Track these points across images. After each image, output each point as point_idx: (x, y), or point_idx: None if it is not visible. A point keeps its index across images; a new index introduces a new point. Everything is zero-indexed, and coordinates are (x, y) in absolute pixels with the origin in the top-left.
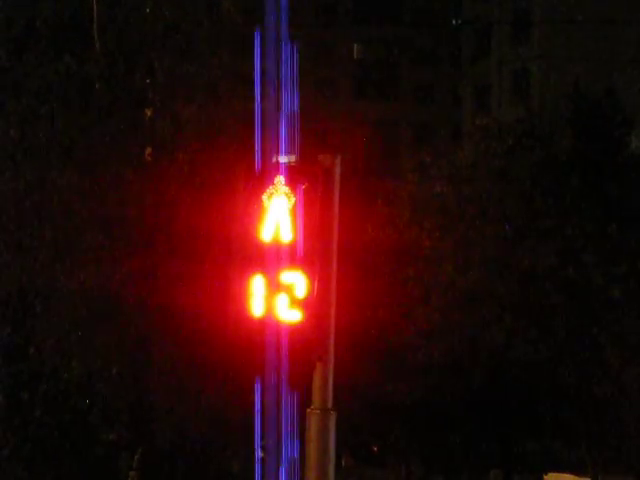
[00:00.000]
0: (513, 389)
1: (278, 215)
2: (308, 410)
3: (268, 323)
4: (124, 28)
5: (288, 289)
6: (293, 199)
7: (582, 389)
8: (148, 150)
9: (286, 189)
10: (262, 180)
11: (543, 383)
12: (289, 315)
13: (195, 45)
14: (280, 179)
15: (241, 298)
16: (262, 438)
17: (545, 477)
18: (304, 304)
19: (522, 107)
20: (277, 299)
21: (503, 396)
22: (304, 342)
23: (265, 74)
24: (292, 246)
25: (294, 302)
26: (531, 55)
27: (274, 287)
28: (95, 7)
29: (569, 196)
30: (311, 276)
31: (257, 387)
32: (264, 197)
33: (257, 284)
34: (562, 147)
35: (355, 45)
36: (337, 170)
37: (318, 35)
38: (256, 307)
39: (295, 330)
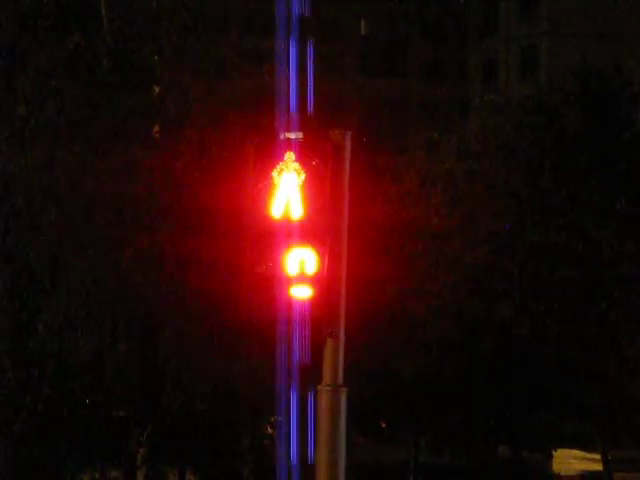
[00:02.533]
0: (521, 365)
1: (288, 191)
2: (319, 387)
3: (278, 298)
4: (132, 4)
5: (298, 265)
6: (303, 175)
7: (591, 364)
8: (156, 127)
9: (296, 165)
10: (272, 156)
11: (552, 359)
12: (299, 291)
13: (203, 21)
14: (290, 155)
15: (249, 272)
16: (273, 414)
17: (554, 453)
18: (314, 280)
19: (530, 83)
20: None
21: (511, 372)
22: (314, 318)
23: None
24: (302, 222)
25: (304, 278)
26: (539, 31)
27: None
28: None
29: (578, 172)
30: (321, 252)
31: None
32: (274, 173)
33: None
34: (570, 123)
35: (362, 21)
36: (347, 146)
37: (325, 11)
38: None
39: (305, 306)
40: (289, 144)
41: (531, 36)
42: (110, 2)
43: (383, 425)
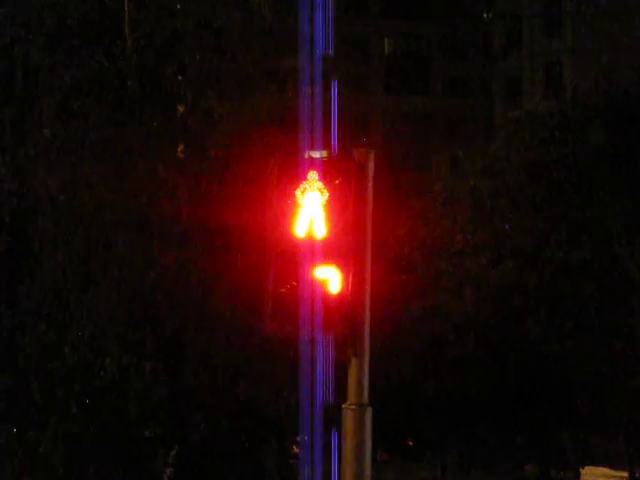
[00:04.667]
0: (548, 382)
1: (312, 210)
2: (344, 406)
3: (303, 317)
4: (155, 25)
5: (322, 285)
6: (326, 194)
7: (618, 381)
8: (181, 147)
9: (320, 184)
10: (295, 175)
11: (578, 375)
12: (323, 310)
13: (226, 41)
14: (313, 174)
15: (273, 291)
16: (297, 433)
17: (582, 471)
18: (338, 299)
19: (554, 99)
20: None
21: (538, 389)
22: (338, 337)
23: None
24: (326, 241)
25: (328, 298)
26: (563, 47)
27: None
28: (126, 4)
29: (603, 188)
30: (345, 271)
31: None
32: (297, 192)
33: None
34: (595, 139)
35: (386, 39)
36: (371, 165)
37: (349, 29)
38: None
39: (330, 325)
40: (312, 163)
41: (555, 52)
42: (134, 22)
43: (410, 443)
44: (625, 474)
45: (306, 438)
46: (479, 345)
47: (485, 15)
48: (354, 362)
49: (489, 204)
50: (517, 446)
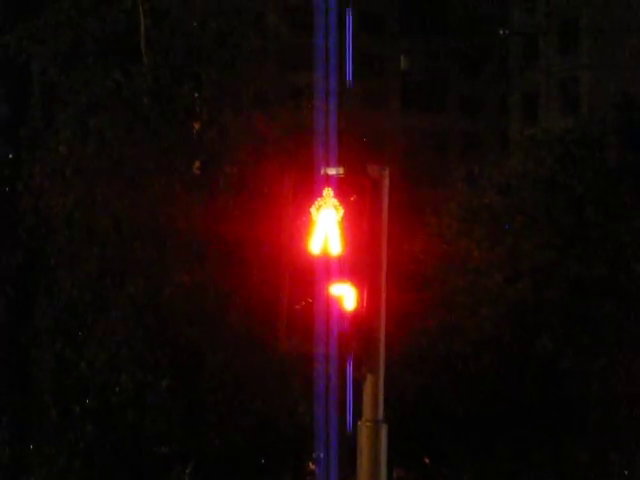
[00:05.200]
0: (565, 398)
1: (327, 227)
2: (359, 422)
3: (318, 334)
4: (171, 42)
5: (338, 301)
6: (341, 211)
7: (636, 398)
8: (197, 163)
9: (334, 201)
10: (310, 192)
11: (596, 392)
12: (339, 327)
13: (242, 58)
14: (329, 191)
15: (288, 308)
16: (313, 450)
17: None
18: (354, 316)
19: (571, 116)
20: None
21: (555, 406)
22: (354, 354)
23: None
24: (341, 258)
25: (344, 314)
26: (579, 64)
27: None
28: (142, 21)
29: (620, 204)
30: (360, 288)
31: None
32: (312, 209)
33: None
34: (612, 155)
35: (402, 56)
36: (385, 182)
37: (366, 47)
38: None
39: (345, 341)
40: (327, 180)
41: (571, 69)
42: (150, 40)
43: (426, 460)
44: None
45: (322, 455)
46: (495, 361)
47: (501, 32)
48: (369, 379)
49: (505, 221)
50: (535, 463)
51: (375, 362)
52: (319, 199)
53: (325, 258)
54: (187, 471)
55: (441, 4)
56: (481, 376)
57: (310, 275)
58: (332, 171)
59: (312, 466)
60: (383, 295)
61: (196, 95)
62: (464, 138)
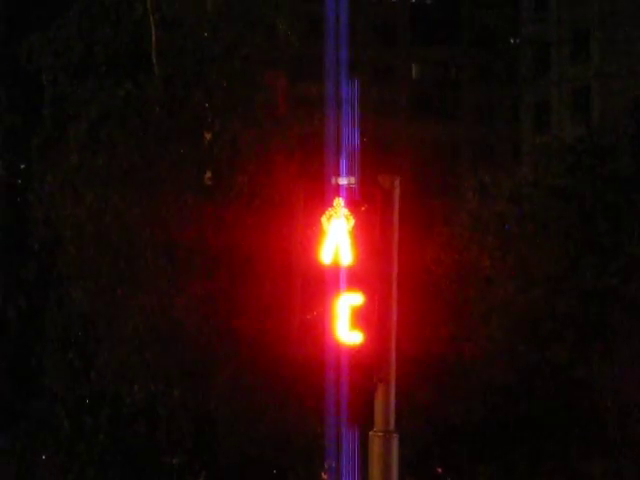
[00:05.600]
0: (577, 408)
1: (337, 237)
2: (370, 433)
3: (329, 345)
4: (182, 52)
5: (348, 311)
6: (352, 221)
7: None
8: (208, 174)
9: (345, 211)
10: (321, 202)
11: (608, 402)
12: (350, 337)
13: (253, 68)
14: (339, 201)
15: (300, 318)
16: (324, 459)
17: None
18: (365, 326)
19: (582, 125)
20: (338, 321)
21: (567, 416)
22: (365, 364)
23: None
24: (352, 268)
25: (355, 324)
26: (591, 72)
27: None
28: (153, 31)
29: (631, 213)
30: (371, 298)
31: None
32: (323, 219)
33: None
34: (624, 164)
35: (414, 65)
36: (396, 191)
37: (377, 56)
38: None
39: (356, 352)
40: (338, 190)
41: (583, 77)
42: (161, 49)
43: (439, 470)
44: None
45: (333, 464)
46: (507, 371)
47: (512, 41)
48: (380, 388)
49: (516, 230)
50: (546, 473)
51: (386, 372)
52: (330, 209)
53: (336, 268)
54: None
55: (452, 13)
56: (493, 386)
57: (321, 285)
58: (343, 181)
59: (324, 476)
60: (394, 305)
61: (207, 105)
62: (475, 147)
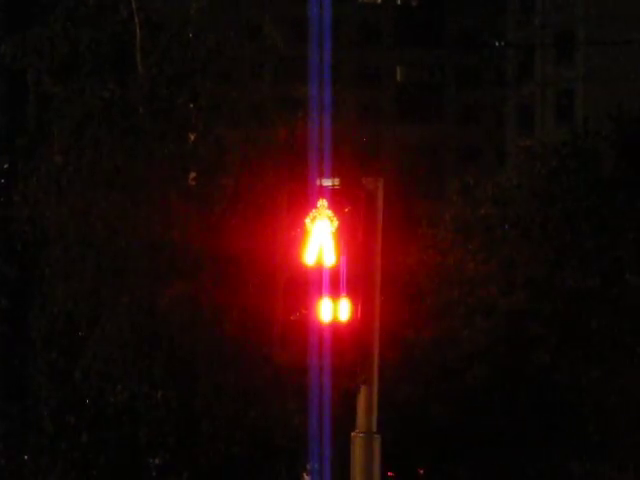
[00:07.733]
0: (559, 411)
1: (321, 239)
2: (353, 434)
3: (312, 345)
4: (167, 53)
5: (332, 312)
6: (336, 222)
7: (629, 411)
8: (192, 175)
9: (329, 212)
10: (305, 203)
11: (590, 405)
12: (333, 338)
13: (238, 69)
14: (323, 202)
15: (283, 319)
16: (307, 461)
17: None
18: (348, 327)
19: (566, 128)
20: (321, 323)
21: (549, 418)
22: (348, 365)
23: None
24: (335, 269)
25: (338, 325)
26: (575, 76)
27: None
28: (138, 32)
29: (614, 217)
30: (354, 299)
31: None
32: (307, 220)
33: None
34: (607, 167)
35: (398, 67)
36: (380, 193)
37: (361, 58)
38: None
39: (339, 353)
40: (322, 191)
41: (567, 81)
42: (146, 50)
43: (420, 472)
44: None
45: (316, 465)
46: (490, 373)
47: (497, 44)
48: (363, 390)
49: (500, 232)
50: (528, 475)
51: (369, 373)
52: (314, 210)
53: (319, 269)
54: None
55: (437, 16)
56: (475, 387)
57: (304, 286)
58: (327, 182)
59: (306, 477)
60: (377, 306)
61: (191, 106)
62: (459, 150)
